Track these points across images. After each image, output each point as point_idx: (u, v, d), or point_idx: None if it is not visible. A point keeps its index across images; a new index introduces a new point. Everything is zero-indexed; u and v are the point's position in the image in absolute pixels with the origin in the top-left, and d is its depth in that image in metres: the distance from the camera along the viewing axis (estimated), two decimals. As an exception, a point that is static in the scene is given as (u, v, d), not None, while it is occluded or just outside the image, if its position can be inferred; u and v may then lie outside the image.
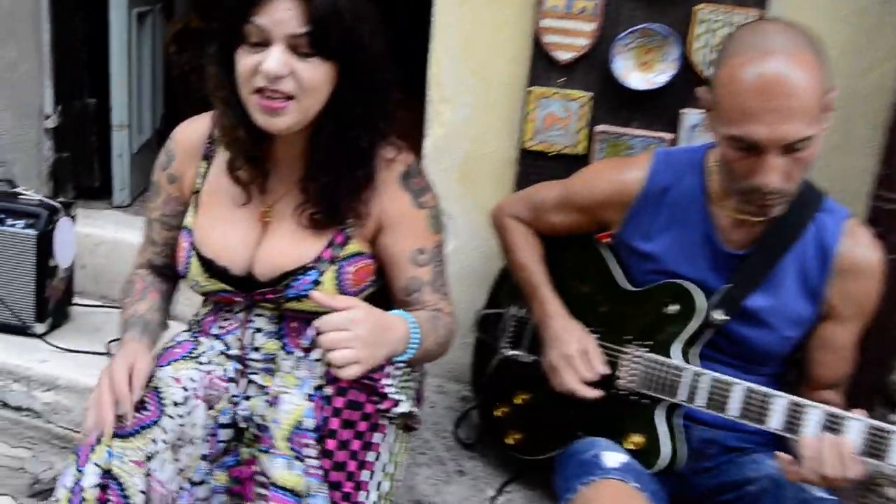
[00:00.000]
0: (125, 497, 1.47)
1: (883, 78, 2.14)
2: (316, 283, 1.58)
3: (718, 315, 1.71)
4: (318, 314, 1.45)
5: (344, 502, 1.47)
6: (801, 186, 1.62)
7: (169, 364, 1.63)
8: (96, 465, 1.47)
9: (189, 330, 1.79)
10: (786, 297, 1.72)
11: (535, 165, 2.32)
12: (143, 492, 1.48)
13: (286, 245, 1.60)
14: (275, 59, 1.41)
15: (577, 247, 1.98)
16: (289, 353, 1.64)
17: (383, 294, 1.71)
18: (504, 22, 2.30)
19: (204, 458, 1.59)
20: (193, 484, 1.58)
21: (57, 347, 2.55)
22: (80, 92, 3.33)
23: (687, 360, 1.73)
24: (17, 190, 2.65)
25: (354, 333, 1.35)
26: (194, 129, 1.70)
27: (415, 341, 1.51)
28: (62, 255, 2.60)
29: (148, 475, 1.49)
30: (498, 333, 2.09)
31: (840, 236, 1.69)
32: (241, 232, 1.62)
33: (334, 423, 1.45)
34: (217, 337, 1.71)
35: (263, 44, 1.43)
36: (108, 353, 2.51)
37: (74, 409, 2.36)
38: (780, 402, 1.58)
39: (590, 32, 2.19)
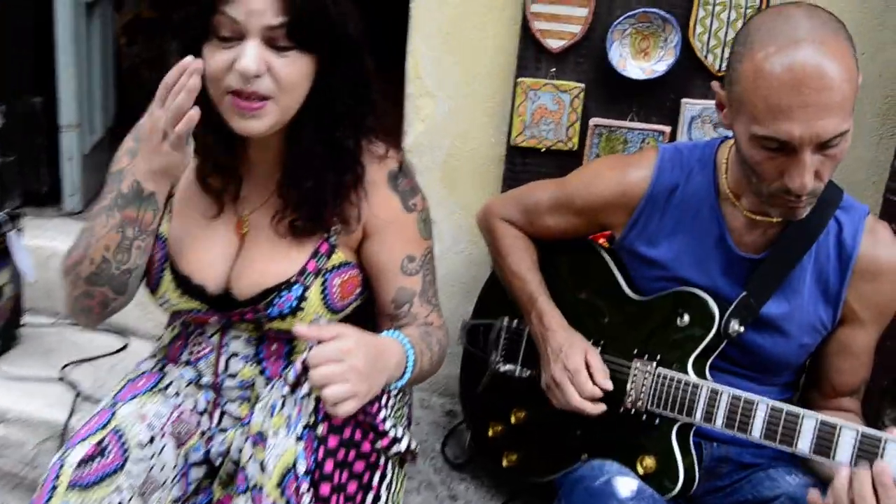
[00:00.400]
0: None
1: (891, 63, 2.07)
2: (301, 298, 1.47)
3: (735, 326, 1.62)
4: None
5: None
6: None
7: (133, 399, 1.51)
8: None
9: (153, 357, 1.66)
10: (804, 302, 1.64)
11: (524, 163, 2.22)
12: None
13: (266, 258, 1.49)
14: (251, 56, 1.30)
15: (575, 251, 1.89)
16: (268, 378, 1.54)
17: (366, 307, 1.62)
18: (489, 7, 2.19)
19: (175, 502, 1.47)
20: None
21: (4, 375, 2.40)
22: (24, 90, 3.17)
23: (701, 375, 1.63)
24: (-44, 200, 2.48)
25: (348, 365, 1.24)
26: None
27: (410, 365, 1.42)
28: (15, 274, 2.45)
29: (112, 530, 1.37)
30: (489, 346, 1.99)
31: (860, 235, 1.62)
32: (218, 245, 1.52)
33: (329, 466, 1.33)
34: (187, 363, 1.59)
35: (236, 38, 1.31)
36: (62, 380, 2.37)
37: (27, 444, 2.20)
38: (809, 423, 1.48)
39: (582, 18, 2.09)
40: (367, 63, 1.42)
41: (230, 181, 1.50)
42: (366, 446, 1.36)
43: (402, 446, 1.38)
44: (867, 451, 1.41)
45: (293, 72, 1.34)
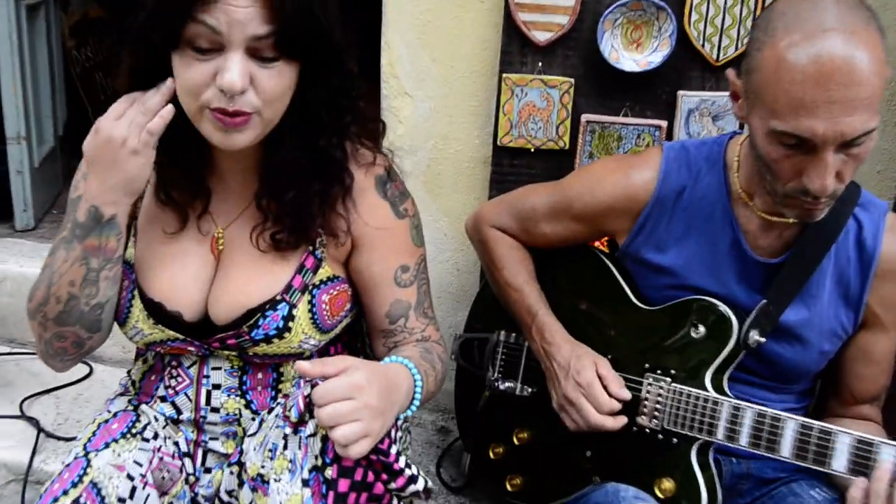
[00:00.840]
0: None
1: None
2: (288, 318, 1.38)
3: (755, 336, 1.55)
4: (290, 356, 1.39)
5: None
6: None
7: (107, 446, 1.40)
8: None
9: (125, 394, 1.56)
10: (824, 307, 1.57)
11: (512, 164, 2.14)
12: None
13: (247, 277, 1.40)
14: (237, 72, 1.18)
15: (574, 259, 1.81)
16: (255, 411, 1.45)
17: (353, 325, 1.55)
18: (469, -1, 2.09)
19: None
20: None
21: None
22: (-35, 101, 3.02)
23: (720, 390, 1.57)
24: None
25: (361, 402, 1.15)
26: None
27: (418, 391, 1.35)
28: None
29: None
30: (484, 361, 1.91)
31: (881, 234, 1.55)
32: (192, 267, 1.42)
33: None
34: (163, 399, 1.49)
35: (214, 49, 1.20)
36: (22, 416, 2.23)
37: (-14, 488, 2.07)
38: (843, 440, 1.42)
39: (570, 8, 2.00)
40: (352, 67, 1.33)
41: (198, 194, 1.40)
42: (378, 488, 1.26)
43: (419, 486, 1.28)
44: (909, 471, 1.35)
45: (279, 84, 1.24)
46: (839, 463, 1.41)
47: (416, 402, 1.34)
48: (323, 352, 1.51)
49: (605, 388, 1.59)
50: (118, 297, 1.41)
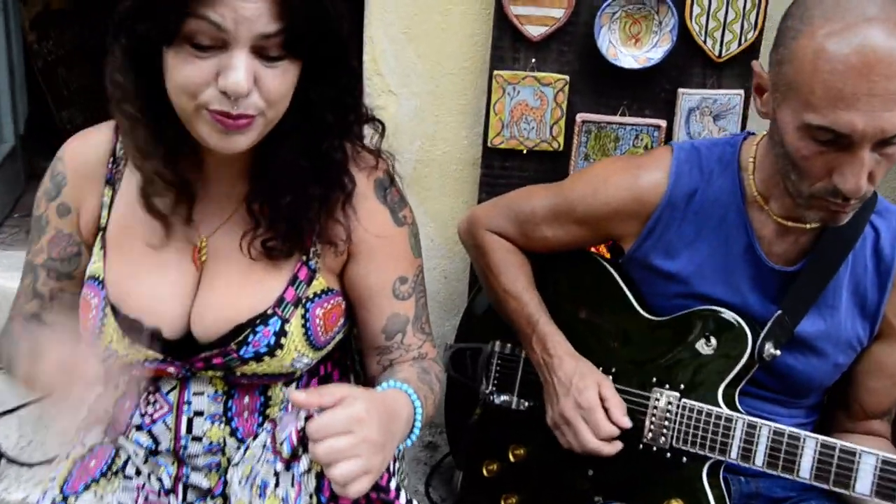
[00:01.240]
0: None
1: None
2: (280, 333, 1.30)
3: (770, 349, 1.50)
4: (280, 376, 1.33)
5: None
6: None
7: (87, 488, 1.33)
8: None
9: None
10: (840, 318, 1.53)
11: (503, 167, 2.09)
12: None
13: (235, 289, 1.31)
14: (243, 72, 1.10)
15: (575, 266, 1.75)
16: (240, 439, 1.36)
17: (343, 342, 1.48)
18: (458, -10, 2.04)
19: None
20: None
21: None
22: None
23: (732, 405, 1.51)
24: None
25: (360, 437, 1.08)
26: (90, 146, 1.38)
27: (418, 419, 1.28)
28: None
29: None
30: (478, 373, 1.85)
31: None
32: (171, 279, 1.33)
33: None
34: (140, 428, 1.39)
35: (216, 46, 1.11)
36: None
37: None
38: (868, 461, 1.36)
39: (565, 1, 1.95)
40: (355, 65, 1.27)
41: (183, 200, 1.30)
42: None
43: None
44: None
45: (283, 83, 1.17)
46: (863, 485, 1.36)
47: (417, 431, 1.28)
48: (314, 371, 1.44)
49: (606, 411, 1.54)
50: (85, 317, 1.33)
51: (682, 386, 1.54)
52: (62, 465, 1.38)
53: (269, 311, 1.30)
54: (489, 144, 2.05)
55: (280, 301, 1.31)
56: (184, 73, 1.12)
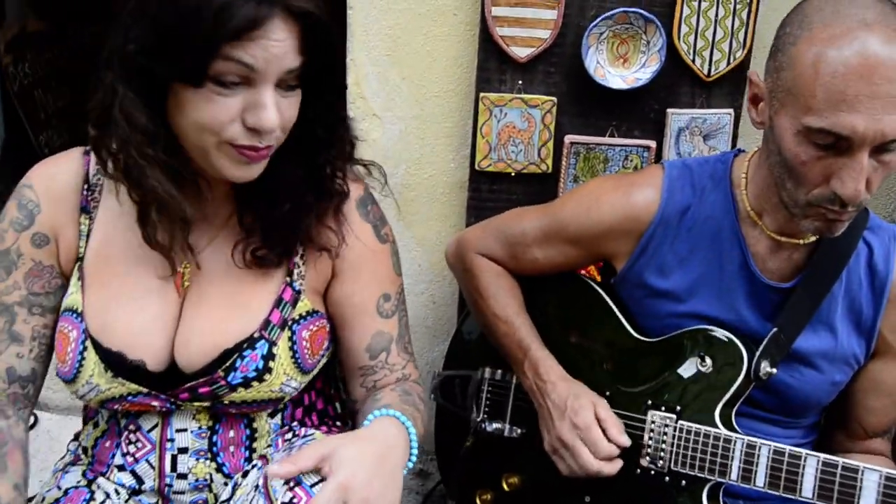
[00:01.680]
0: None
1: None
2: (268, 357, 1.29)
3: (766, 368, 1.49)
4: (268, 403, 1.32)
5: None
6: None
7: None
8: None
9: (76, 463, 1.43)
10: (836, 334, 1.53)
11: (491, 190, 2.08)
12: None
13: (220, 312, 1.30)
14: (273, 110, 1.15)
15: (563, 288, 1.74)
16: (227, 475, 1.34)
17: (326, 368, 1.47)
18: (440, 12, 2.04)
19: None
20: None
21: None
22: None
23: (729, 426, 1.50)
24: None
25: (357, 501, 1.09)
26: (61, 172, 1.35)
27: (414, 443, 1.28)
28: None
29: None
30: (468, 400, 1.83)
31: (892, 259, 1.52)
32: (153, 308, 1.30)
33: None
34: (122, 468, 1.37)
35: (241, 83, 1.13)
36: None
37: None
38: (871, 478, 1.35)
39: (552, 21, 1.95)
40: (342, 80, 1.34)
41: (184, 229, 1.28)
42: None
43: None
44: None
45: (296, 109, 1.22)
46: (868, 503, 1.34)
47: (415, 451, 1.27)
48: (297, 401, 1.43)
49: (603, 431, 1.53)
50: (63, 350, 1.30)
51: (678, 407, 1.53)
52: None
53: (256, 335, 1.29)
54: (476, 167, 2.04)
55: (266, 324, 1.30)
56: (209, 112, 1.13)
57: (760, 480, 1.42)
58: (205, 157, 1.19)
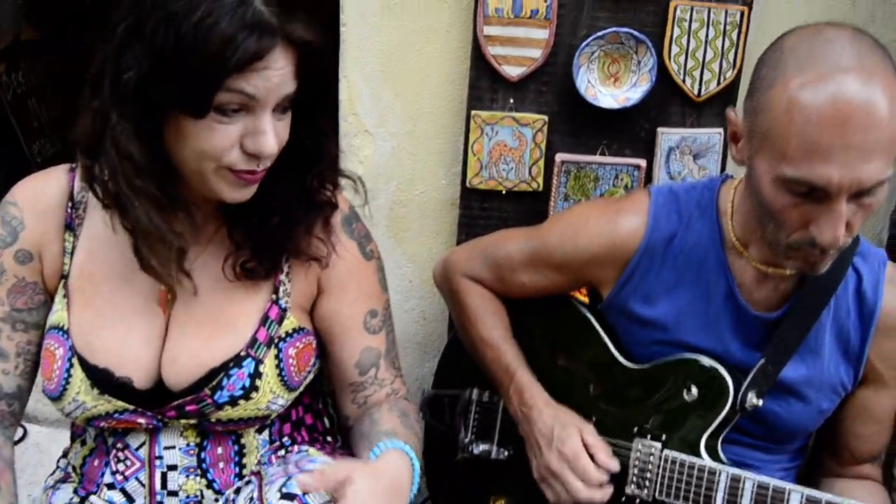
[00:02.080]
0: None
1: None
2: (255, 375, 1.29)
3: (752, 399, 1.47)
4: (255, 420, 1.32)
5: None
6: None
7: None
8: None
9: (66, 480, 1.43)
10: (824, 363, 1.50)
11: (482, 207, 2.06)
12: None
13: (206, 332, 1.30)
14: (272, 136, 1.17)
15: (551, 311, 1.72)
16: (218, 491, 1.34)
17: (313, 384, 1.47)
18: (432, 30, 2.01)
19: None
20: None
21: None
22: None
23: (715, 456, 1.49)
24: None
25: None
26: (46, 189, 1.35)
27: (416, 478, 1.28)
28: None
29: None
30: (456, 420, 1.82)
31: (881, 287, 1.48)
32: (139, 325, 1.30)
33: None
34: (112, 487, 1.37)
35: (240, 111, 1.15)
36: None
37: None
38: None
39: (543, 41, 1.92)
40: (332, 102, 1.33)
41: (179, 252, 1.27)
42: None
43: None
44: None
45: (288, 130, 1.23)
46: (852, 539, 1.33)
47: (416, 488, 1.27)
48: (285, 416, 1.43)
49: (591, 456, 1.51)
50: (49, 368, 1.30)
51: (664, 436, 1.51)
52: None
53: (243, 353, 1.29)
54: (468, 185, 2.02)
55: (253, 342, 1.30)
56: (210, 140, 1.13)
57: (745, 513, 1.41)
58: (202, 181, 1.19)
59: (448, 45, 2.01)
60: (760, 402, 1.46)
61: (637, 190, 1.92)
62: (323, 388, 1.55)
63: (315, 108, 1.27)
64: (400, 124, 2.08)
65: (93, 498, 1.37)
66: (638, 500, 1.51)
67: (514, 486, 1.69)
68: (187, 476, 1.34)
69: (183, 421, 1.31)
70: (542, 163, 2.00)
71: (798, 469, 1.62)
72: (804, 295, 1.46)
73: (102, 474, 1.37)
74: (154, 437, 1.34)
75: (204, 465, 1.35)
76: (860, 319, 1.48)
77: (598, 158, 1.99)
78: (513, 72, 1.94)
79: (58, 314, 1.31)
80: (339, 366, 1.43)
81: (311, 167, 1.31)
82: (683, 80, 1.92)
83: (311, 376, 1.42)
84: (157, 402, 1.29)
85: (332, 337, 1.41)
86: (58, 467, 1.49)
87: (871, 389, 1.52)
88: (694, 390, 1.50)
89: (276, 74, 1.13)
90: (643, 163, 1.98)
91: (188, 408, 1.29)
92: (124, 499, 1.35)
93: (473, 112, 1.98)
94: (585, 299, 1.72)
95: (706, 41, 1.90)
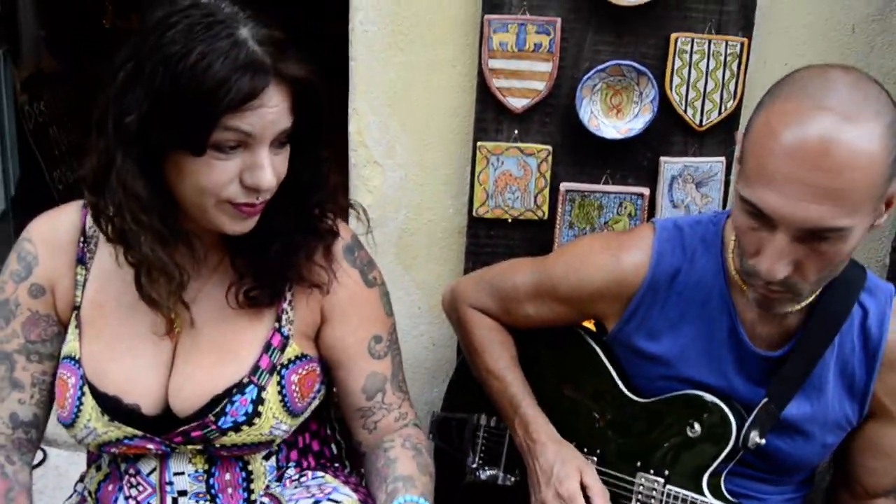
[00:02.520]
0: None
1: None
2: (257, 401, 1.31)
3: (755, 438, 1.45)
4: (259, 446, 1.34)
5: None
6: None
7: None
8: None
9: None
10: (828, 400, 1.48)
11: (489, 235, 2.06)
12: None
13: (211, 359, 1.33)
14: (270, 171, 1.19)
15: (559, 342, 1.71)
16: None
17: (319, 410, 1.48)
18: (438, 64, 2.01)
19: None
20: None
21: None
22: None
23: (717, 493, 1.47)
24: None
25: None
26: (59, 225, 1.39)
27: None
28: None
29: None
30: (464, 444, 1.82)
31: (887, 322, 1.45)
32: (147, 354, 1.33)
33: None
34: None
35: (239, 147, 1.17)
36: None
37: None
38: None
39: (546, 74, 1.92)
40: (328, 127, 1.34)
41: (180, 284, 1.28)
42: None
43: None
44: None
45: (286, 163, 1.25)
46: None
47: None
48: (292, 443, 1.44)
49: (588, 499, 1.49)
50: (62, 395, 1.32)
51: (667, 472, 1.50)
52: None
53: (246, 380, 1.31)
54: (474, 214, 2.02)
55: (255, 369, 1.32)
56: (209, 177, 1.15)
57: (747, 549, 1.40)
58: (203, 214, 1.21)
59: (454, 79, 2.01)
60: (763, 441, 1.44)
61: (642, 224, 1.91)
62: (331, 414, 1.56)
63: (312, 140, 1.28)
64: (408, 155, 2.08)
65: None
66: (642, 535, 1.50)
67: (521, 512, 1.69)
68: (197, 501, 1.36)
69: (190, 447, 1.33)
70: (546, 192, 2.00)
71: (804, 499, 1.60)
72: (808, 333, 1.43)
73: (116, 500, 1.39)
74: (164, 463, 1.36)
75: (213, 491, 1.36)
76: (864, 354, 1.45)
77: (601, 187, 1.99)
78: (517, 103, 1.95)
79: (70, 344, 1.34)
80: (346, 392, 1.44)
81: (309, 195, 1.32)
82: (685, 111, 1.92)
83: (315, 402, 1.43)
84: (165, 428, 1.31)
85: (337, 364, 1.43)
86: (75, 491, 1.51)
87: (879, 424, 1.49)
88: (697, 427, 1.48)
89: (271, 111, 1.15)
90: (646, 191, 1.97)
91: (193, 433, 1.31)
92: None
93: (479, 143, 1.98)
94: (594, 328, 1.71)
95: (707, 72, 1.89)
